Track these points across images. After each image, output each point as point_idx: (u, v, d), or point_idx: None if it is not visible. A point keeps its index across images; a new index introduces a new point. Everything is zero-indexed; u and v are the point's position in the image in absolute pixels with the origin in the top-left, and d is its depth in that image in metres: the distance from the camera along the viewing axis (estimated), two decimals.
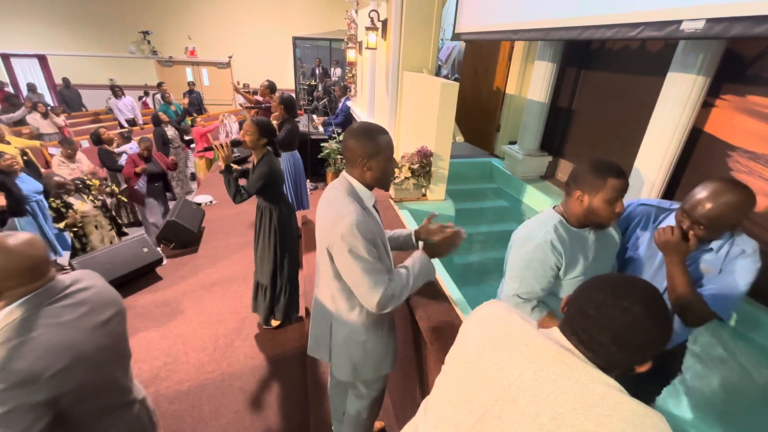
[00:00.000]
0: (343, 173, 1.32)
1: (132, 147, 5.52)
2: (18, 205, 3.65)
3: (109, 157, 5.00)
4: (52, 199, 3.53)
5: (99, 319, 1.06)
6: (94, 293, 1.09)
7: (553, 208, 1.41)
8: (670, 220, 1.41)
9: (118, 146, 5.39)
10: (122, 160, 4.96)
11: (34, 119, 6.68)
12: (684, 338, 1.55)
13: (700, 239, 1.30)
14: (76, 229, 3.62)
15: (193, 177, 7.03)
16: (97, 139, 4.94)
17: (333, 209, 1.24)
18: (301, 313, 2.91)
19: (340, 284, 1.31)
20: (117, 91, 8.49)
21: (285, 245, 2.50)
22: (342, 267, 1.23)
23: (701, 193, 1.24)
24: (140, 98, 9.94)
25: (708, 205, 1.21)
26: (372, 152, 1.23)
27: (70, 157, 4.53)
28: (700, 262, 1.35)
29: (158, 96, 9.08)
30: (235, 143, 2.49)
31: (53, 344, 0.94)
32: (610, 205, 1.24)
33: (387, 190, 1.36)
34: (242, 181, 2.43)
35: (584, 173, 1.27)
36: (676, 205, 1.44)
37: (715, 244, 1.32)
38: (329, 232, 1.22)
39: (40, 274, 0.99)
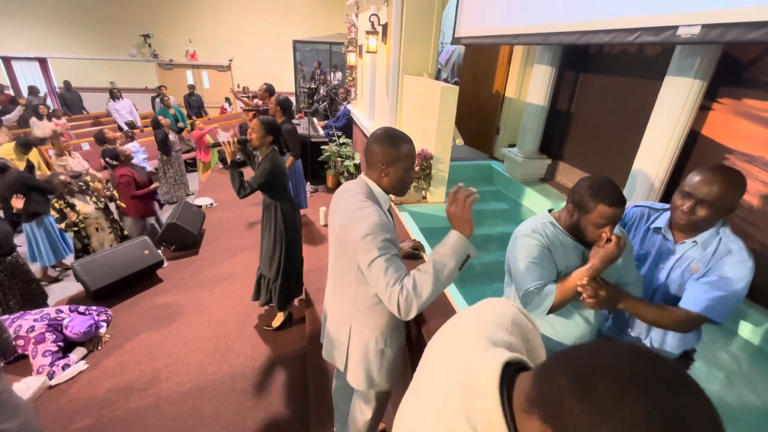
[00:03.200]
0: (362, 175, 1.34)
1: (135, 146, 5.57)
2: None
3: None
4: (54, 199, 3.55)
5: None
6: None
7: (549, 212, 1.42)
8: (663, 218, 1.43)
9: (121, 145, 5.42)
10: (135, 160, 5.06)
11: (36, 124, 6.64)
12: (690, 347, 1.52)
13: (695, 226, 1.30)
14: (77, 229, 3.63)
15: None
16: (101, 138, 4.98)
17: (354, 211, 1.22)
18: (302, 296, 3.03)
19: (365, 289, 1.30)
20: (115, 93, 8.50)
21: (288, 241, 2.56)
22: (365, 266, 1.19)
23: (700, 174, 1.25)
24: (154, 99, 9.58)
25: (711, 183, 1.22)
26: (391, 159, 1.25)
27: (60, 154, 4.63)
28: (689, 261, 1.34)
29: (158, 100, 9.11)
30: (242, 141, 2.57)
31: None
32: (596, 228, 1.22)
33: (402, 196, 1.37)
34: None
35: (581, 189, 1.24)
36: (668, 206, 1.45)
37: (700, 238, 1.32)
38: (352, 234, 1.20)
39: None
